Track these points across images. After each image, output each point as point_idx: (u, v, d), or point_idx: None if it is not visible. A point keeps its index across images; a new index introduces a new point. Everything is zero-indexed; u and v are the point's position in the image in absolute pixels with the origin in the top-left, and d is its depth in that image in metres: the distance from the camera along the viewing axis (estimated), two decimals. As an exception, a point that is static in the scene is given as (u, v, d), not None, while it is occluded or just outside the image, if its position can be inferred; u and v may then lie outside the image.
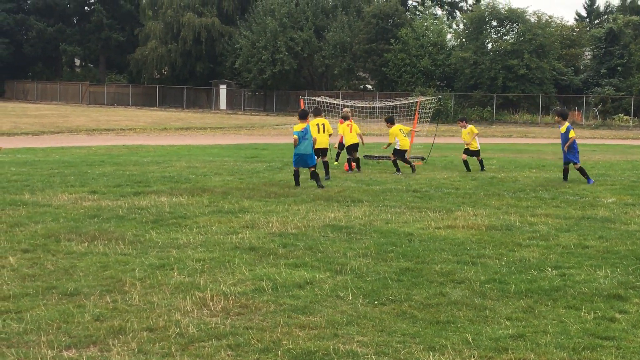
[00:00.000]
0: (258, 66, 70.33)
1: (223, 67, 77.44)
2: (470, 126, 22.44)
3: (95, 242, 10.60)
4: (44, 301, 7.69)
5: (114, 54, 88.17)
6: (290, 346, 6.37)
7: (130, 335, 6.63)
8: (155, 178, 18.67)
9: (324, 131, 19.69)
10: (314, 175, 17.30)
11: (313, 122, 19.46)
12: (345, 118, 22.63)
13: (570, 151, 18.60)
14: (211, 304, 7.60)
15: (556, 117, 19.60)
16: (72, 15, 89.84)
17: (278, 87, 72.57)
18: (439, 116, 49.67)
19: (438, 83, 67.70)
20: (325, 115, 26.69)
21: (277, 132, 47.41)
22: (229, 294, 7.95)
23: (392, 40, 66.56)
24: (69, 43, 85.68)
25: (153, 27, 78.71)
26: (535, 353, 6.28)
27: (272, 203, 14.62)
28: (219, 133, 46.28)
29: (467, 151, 22.03)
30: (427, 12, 73.95)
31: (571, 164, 18.73)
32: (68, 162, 23.55)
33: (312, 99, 30.71)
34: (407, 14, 73.56)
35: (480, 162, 22.07)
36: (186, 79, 79.01)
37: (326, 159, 19.63)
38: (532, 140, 44.91)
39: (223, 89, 77.07)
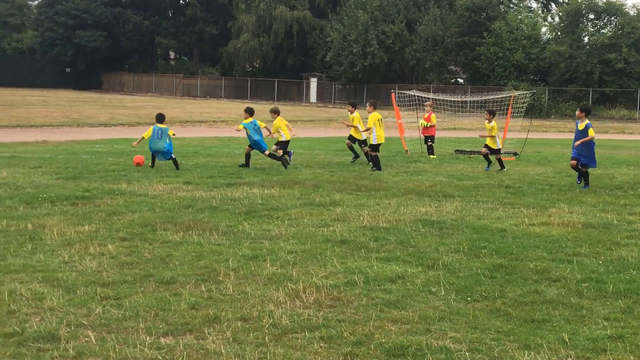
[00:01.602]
0: (349, 59, 70.35)
1: (314, 60, 77.76)
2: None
3: (190, 232, 10.81)
4: (142, 288, 7.89)
5: (208, 47, 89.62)
6: (383, 340, 6.37)
7: (225, 324, 6.74)
8: (247, 170, 18.90)
9: (381, 126, 20.18)
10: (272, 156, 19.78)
11: (374, 116, 20.01)
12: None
13: (585, 151, 16.63)
14: (303, 295, 7.66)
15: (577, 113, 17.76)
16: (167, 8, 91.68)
17: (368, 81, 72.45)
18: (532, 111, 48.80)
19: (531, 77, 66.44)
20: (416, 109, 26.53)
21: (367, 125, 47.36)
22: (321, 286, 8.00)
23: (485, 34, 65.60)
24: (164, 36, 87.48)
25: (246, 20, 79.63)
26: (635, 355, 6.12)
27: (362, 196, 14.62)
28: (309, 126, 46.52)
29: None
30: (521, 4, 72.62)
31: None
32: (163, 153, 24.03)
33: (403, 93, 30.54)
34: (501, 6, 72.33)
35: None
36: (277, 71, 79.66)
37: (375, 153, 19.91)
38: (630, 137, 43.62)
39: (314, 82, 77.41)
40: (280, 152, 20.21)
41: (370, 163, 20.18)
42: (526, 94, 31.65)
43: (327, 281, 8.21)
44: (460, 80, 75.89)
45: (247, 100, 75.75)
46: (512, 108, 26.30)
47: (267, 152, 19.73)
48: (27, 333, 6.42)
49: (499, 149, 20.24)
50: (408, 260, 9.27)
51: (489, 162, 20.19)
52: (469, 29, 66.83)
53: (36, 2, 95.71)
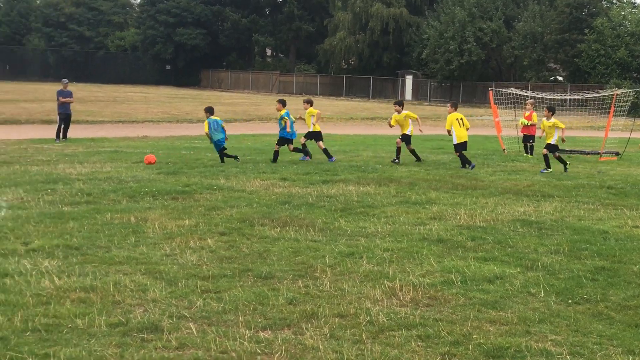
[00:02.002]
0: (445, 57, 69.70)
1: (410, 58, 77.36)
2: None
3: (287, 228, 10.91)
4: (241, 283, 8.02)
5: (304, 44, 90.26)
6: (481, 341, 6.31)
7: (322, 320, 6.80)
8: (343, 167, 18.95)
9: (462, 125, 19.88)
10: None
11: (452, 116, 19.96)
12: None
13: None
14: (400, 294, 7.65)
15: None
16: (265, 6, 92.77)
17: (465, 78, 71.64)
18: (635, 110, 47.35)
19: (635, 75, 64.39)
20: (514, 107, 26.08)
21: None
22: (418, 284, 7.97)
23: (586, 30, 64.00)
24: (261, 34, 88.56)
25: (342, 17, 79.84)
26: None
27: (459, 195, 14.48)
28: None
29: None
30: (625, 0, 70.50)
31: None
32: (260, 149, 24.36)
33: (501, 91, 30.07)
34: (603, 2, 70.42)
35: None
36: (373, 69, 79.58)
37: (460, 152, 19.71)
38: None
39: (409, 80, 77.01)
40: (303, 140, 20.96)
41: (416, 160, 20.45)
42: (629, 92, 30.71)
43: (424, 280, 8.18)
44: (560, 78, 74.22)
45: (342, 98, 75.96)
46: (614, 107, 25.58)
47: (292, 147, 20.38)
48: (132, 323, 6.61)
49: (557, 146, 19.62)
50: (506, 260, 9.15)
51: (563, 163, 19.40)
52: (570, 25, 65.29)
53: (139, 0, 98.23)
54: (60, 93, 27.34)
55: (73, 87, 29.74)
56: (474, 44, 68.18)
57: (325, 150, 20.83)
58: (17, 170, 17.27)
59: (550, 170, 18.84)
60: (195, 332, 6.44)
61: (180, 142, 27.06)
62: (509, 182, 16.64)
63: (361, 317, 6.88)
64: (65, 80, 28.57)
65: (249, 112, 48.30)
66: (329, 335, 6.44)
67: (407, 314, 7.03)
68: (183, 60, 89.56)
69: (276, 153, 20.11)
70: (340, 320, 6.83)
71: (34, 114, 39.53)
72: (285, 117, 20.36)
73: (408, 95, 76.21)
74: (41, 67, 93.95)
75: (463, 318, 6.92)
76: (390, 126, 21.83)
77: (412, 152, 20.86)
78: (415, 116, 20.84)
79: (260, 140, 29.38)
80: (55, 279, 7.91)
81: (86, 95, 53.83)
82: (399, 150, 20.50)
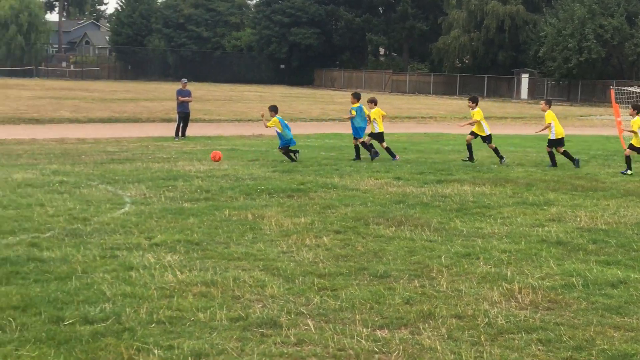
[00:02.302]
0: (563, 54, 67.99)
1: (526, 56, 75.87)
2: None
3: (402, 227, 10.89)
4: (357, 281, 8.05)
5: (417, 43, 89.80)
6: (605, 347, 6.13)
7: (440, 320, 6.75)
8: (457, 166, 18.76)
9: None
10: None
11: (550, 114, 19.35)
12: None
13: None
14: (519, 296, 7.52)
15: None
16: (378, 5, 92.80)
17: (584, 77, 69.70)
18: None
19: None
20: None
21: (582, 123, 45.56)
22: (538, 287, 7.82)
23: None
24: (374, 32, 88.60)
25: (456, 15, 79.05)
26: None
27: (579, 197, 14.11)
28: (520, 123, 45.42)
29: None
30: None
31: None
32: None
33: (623, 89, 29.14)
34: None
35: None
36: (487, 67, 78.44)
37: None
38: None
39: (525, 78, 75.51)
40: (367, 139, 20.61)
41: (501, 160, 19.73)
42: None
43: (543, 282, 8.01)
44: (685, 76, 71.22)
45: (455, 97, 75.16)
46: None
47: (360, 140, 20.30)
48: (251, 318, 6.74)
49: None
50: (630, 264, 8.86)
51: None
52: (697, 21, 62.63)
53: (254, 1, 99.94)
54: (180, 92, 28.10)
55: (191, 87, 30.50)
56: (594, 41, 66.23)
57: (388, 149, 20.52)
58: (140, 167, 17.85)
59: (630, 172, 18.01)
60: (313, 329, 6.51)
61: (297, 140, 27.32)
62: (632, 183, 16.10)
63: (479, 319, 6.80)
64: (184, 80, 29.34)
65: (362, 111, 48.35)
66: (446, 336, 6.40)
67: (527, 317, 6.90)
68: (297, 59, 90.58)
69: (357, 147, 20.34)
70: (457, 321, 6.77)
71: (154, 112, 40.78)
72: (354, 111, 20.45)
73: (524, 94, 74.76)
74: (161, 67, 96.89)
75: (585, 323, 6.74)
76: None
77: (495, 150, 20.31)
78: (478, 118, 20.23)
79: (374, 139, 29.35)
80: (178, 273, 8.14)
81: (204, 94, 55.13)
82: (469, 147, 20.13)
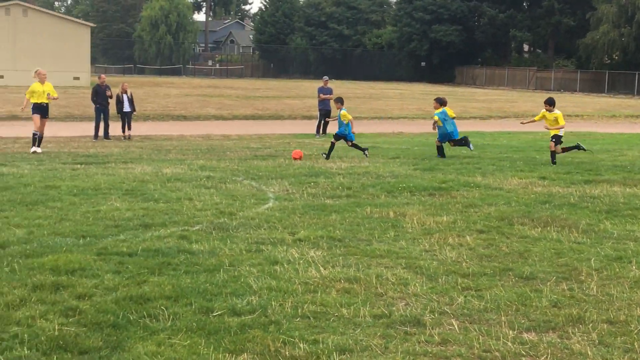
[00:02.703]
0: None
1: (680, 52, 72.41)
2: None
3: (548, 228, 10.60)
4: (501, 282, 7.90)
5: (563, 39, 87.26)
6: None
7: (590, 325, 6.53)
8: (606, 167, 18.10)
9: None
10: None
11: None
12: None
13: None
14: (675, 303, 7.17)
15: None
16: (522, 1, 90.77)
17: None
18: None
19: None
20: None
21: None
22: (695, 294, 7.43)
23: None
24: (518, 29, 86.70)
25: (606, 10, 76.28)
26: None
27: None
28: (673, 122, 43.35)
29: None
30: None
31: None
32: (516, 147, 23.89)
33: None
34: None
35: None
36: (638, 64, 75.28)
37: None
38: None
39: (679, 75, 72.02)
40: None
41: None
42: None
43: (701, 290, 7.60)
44: None
45: (603, 94, 72.57)
46: None
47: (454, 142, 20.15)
48: (394, 316, 6.73)
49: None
50: None
51: None
52: None
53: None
54: (321, 90, 28.42)
55: (332, 84, 30.80)
56: None
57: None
58: (282, 163, 18.18)
59: None
60: (457, 329, 6.43)
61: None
62: None
63: (632, 325, 6.53)
64: (326, 78, 29.67)
65: (504, 109, 47.49)
66: (597, 341, 6.18)
67: (683, 325, 6.57)
68: (438, 56, 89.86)
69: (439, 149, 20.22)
70: (609, 326, 6.52)
71: (295, 109, 41.43)
72: (436, 117, 20.10)
73: (677, 91, 71.33)
74: (302, 65, 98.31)
75: None
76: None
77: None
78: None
79: (517, 137, 28.77)
80: (321, 268, 8.23)
81: (344, 92, 55.41)
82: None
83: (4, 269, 7.90)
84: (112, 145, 22.77)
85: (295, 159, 18.90)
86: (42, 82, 20.34)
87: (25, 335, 5.98)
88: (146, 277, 7.72)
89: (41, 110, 20.30)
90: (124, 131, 25.25)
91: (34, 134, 20.13)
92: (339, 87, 55.44)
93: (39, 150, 19.94)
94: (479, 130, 32.71)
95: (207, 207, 11.88)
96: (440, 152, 20.16)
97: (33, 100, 20.30)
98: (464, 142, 20.16)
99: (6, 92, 45.13)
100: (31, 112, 20.48)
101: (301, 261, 8.54)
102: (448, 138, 20.23)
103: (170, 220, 10.81)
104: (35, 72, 20.53)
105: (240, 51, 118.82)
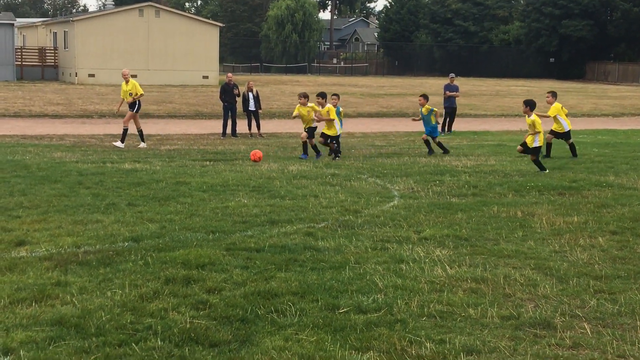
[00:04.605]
0: None
1: None
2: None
3: (687, 231, 10.14)
4: (636, 285, 7.61)
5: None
6: None
7: None
8: None
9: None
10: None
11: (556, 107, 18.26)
12: None
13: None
14: None
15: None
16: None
17: None
18: None
19: None
20: None
21: None
22: None
23: None
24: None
25: None
26: None
27: None
28: None
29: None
30: None
31: None
32: (651, 146, 22.98)
33: None
34: None
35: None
36: None
37: None
38: None
39: None
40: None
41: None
42: None
43: None
44: None
45: None
46: None
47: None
48: (523, 318, 6.58)
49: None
50: None
51: None
52: None
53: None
54: (447, 87, 28.16)
55: (458, 81, 30.42)
56: None
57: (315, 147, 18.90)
58: (407, 161, 18.10)
59: None
60: (589, 333, 6.24)
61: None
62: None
63: None
64: (452, 75, 29.37)
65: (638, 106, 45.74)
66: None
67: None
68: (567, 52, 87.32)
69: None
70: None
71: (420, 107, 41.14)
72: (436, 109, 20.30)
73: None
74: (427, 62, 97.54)
75: None
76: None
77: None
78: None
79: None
80: (447, 267, 8.14)
81: (470, 89, 54.79)
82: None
83: (138, 262, 8.19)
84: (239, 142, 23.25)
85: (254, 160, 17.23)
86: (126, 82, 21.08)
87: (159, 326, 6.18)
88: (273, 273, 7.84)
89: (129, 107, 21.04)
90: (250, 129, 25.73)
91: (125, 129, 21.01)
92: (464, 84, 54.74)
93: (120, 145, 20.68)
94: (611, 128, 31.65)
95: (332, 205, 11.96)
96: (444, 148, 19.99)
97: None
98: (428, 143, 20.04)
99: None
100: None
101: (427, 260, 8.48)
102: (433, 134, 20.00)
103: (296, 217, 10.94)
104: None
105: (365, 49, 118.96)
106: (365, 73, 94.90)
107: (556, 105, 18.97)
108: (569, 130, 19.04)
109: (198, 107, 36.99)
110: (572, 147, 19.07)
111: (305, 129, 19.10)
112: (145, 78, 56.11)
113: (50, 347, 5.73)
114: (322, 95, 18.92)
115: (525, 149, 16.30)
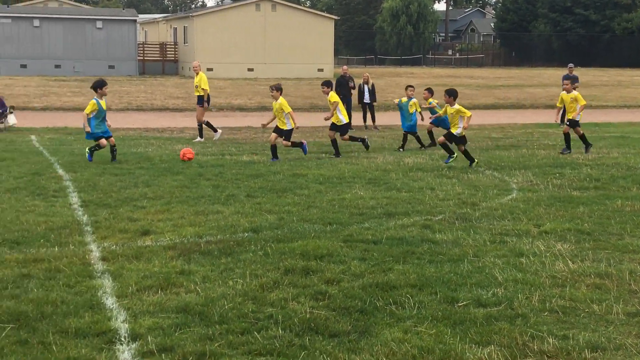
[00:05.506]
0: None
1: None
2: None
3: None
4: None
5: None
6: None
7: None
8: None
9: None
10: None
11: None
12: None
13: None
14: None
15: None
16: None
17: None
18: None
19: None
20: None
21: None
22: None
23: None
24: None
25: None
26: None
27: None
28: None
29: None
30: None
31: None
32: None
33: None
34: None
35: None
36: None
37: None
38: None
39: None
40: None
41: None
42: None
43: None
44: None
45: None
46: None
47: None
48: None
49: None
50: None
51: None
52: None
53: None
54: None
55: (577, 72, 29.58)
56: None
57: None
58: (525, 153, 17.76)
59: None
60: None
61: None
62: None
63: None
64: (571, 65, 28.61)
65: None
66: None
67: None
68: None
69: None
70: None
71: (537, 98, 40.27)
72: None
73: None
74: (545, 52, 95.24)
75: None
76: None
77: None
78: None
79: None
80: (569, 262, 7.95)
81: (590, 80, 53.23)
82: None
83: (258, 252, 8.34)
84: (354, 135, 23.30)
85: (187, 159, 16.07)
86: (196, 74, 21.18)
87: (280, 316, 6.29)
88: (391, 265, 7.85)
89: (197, 100, 21.14)
90: (365, 121, 25.76)
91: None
92: (584, 74, 53.25)
93: (216, 136, 21.07)
94: None
95: (449, 197, 11.87)
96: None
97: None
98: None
99: (256, 85, 47.54)
100: None
101: (548, 254, 8.31)
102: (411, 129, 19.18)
103: (412, 209, 10.91)
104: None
105: (481, 40, 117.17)
106: (481, 64, 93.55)
107: None
108: None
109: (313, 100, 37.30)
110: None
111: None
112: (262, 71, 57.02)
113: (176, 334, 5.91)
114: (327, 84, 18.29)
115: None
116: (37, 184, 12.89)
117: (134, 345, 5.70)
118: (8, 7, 57.25)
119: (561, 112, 20.09)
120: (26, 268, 7.66)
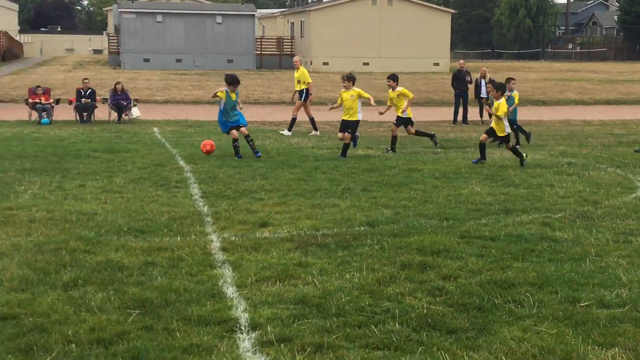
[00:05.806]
0: None
1: None
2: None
3: None
4: None
5: None
6: None
7: None
8: None
9: None
10: None
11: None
12: None
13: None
14: None
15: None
16: None
17: None
18: None
19: None
20: None
21: None
22: None
23: None
24: None
25: None
26: None
27: None
28: None
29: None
30: None
31: None
32: None
33: None
34: None
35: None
36: None
37: None
38: None
39: None
40: None
41: None
42: None
43: None
44: None
45: None
46: None
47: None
48: None
49: None
50: None
51: None
52: None
53: None
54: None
55: None
56: None
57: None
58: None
59: None
60: None
61: None
62: None
63: None
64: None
65: None
66: None
67: None
68: None
69: None
70: None
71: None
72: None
73: None
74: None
75: None
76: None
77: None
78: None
79: None
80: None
81: None
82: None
83: (374, 246, 8.36)
84: (470, 130, 23.03)
85: (207, 151, 15.59)
86: (296, 69, 21.23)
87: (396, 310, 6.29)
88: (509, 263, 7.73)
89: (299, 95, 21.16)
90: (481, 116, 25.40)
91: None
92: None
93: (287, 133, 20.92)
94: None
95: (569, 195, 11.59)
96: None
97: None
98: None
99: (371, 79, 47.52)
100: None
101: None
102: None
103: (531, 206, 10.70)
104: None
105: (603, 33, 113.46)
106: (603, 58, 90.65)
107: None
108: None
109: (429, 94, 37.02)
110: None
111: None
112: (378, 65, 56.97)
113: (294, 325, 6.00)
114: (393, 78, 17.69)
115: None
116: (160, 174, 13.30)
117: (253, 335, 5.81)
118: (133, 2, 59.10)
119: None
120: (150, 256, 7.92)
